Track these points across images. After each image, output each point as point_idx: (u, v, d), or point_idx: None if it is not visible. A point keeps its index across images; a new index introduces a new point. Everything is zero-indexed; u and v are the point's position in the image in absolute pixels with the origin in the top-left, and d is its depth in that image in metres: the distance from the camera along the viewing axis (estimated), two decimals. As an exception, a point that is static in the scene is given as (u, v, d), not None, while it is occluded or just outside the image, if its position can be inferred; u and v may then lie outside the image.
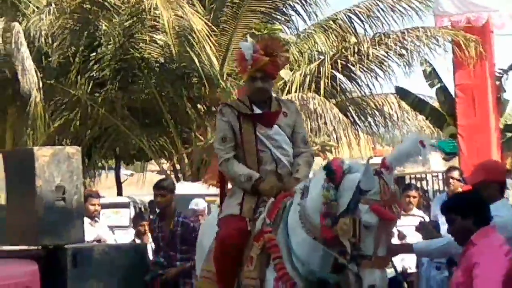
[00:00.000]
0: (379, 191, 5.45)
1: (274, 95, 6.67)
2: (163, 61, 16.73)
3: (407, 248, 6.32)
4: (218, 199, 11.81)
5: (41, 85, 15.45)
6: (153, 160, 20.41)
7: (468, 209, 5.05)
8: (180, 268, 8.43)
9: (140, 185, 25.19)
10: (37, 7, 16.63)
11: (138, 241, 10.79)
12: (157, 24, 15.98)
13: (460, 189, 10.29)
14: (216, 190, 13.04)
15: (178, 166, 18.60)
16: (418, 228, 6.60)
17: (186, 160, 18.02)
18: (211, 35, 16.32)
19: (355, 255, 5.26)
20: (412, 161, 5.82)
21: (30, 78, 15.10)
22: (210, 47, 16.24)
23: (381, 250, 5.31)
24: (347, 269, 5.36)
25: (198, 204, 11.12)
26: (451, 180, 10.71)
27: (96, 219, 10.66)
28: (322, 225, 5.47)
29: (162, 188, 8.96)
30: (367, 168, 5.53)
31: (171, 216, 8.64)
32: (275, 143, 6.24)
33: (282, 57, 6.53)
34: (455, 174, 10.88)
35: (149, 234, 10.41)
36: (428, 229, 6.62)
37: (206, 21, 16.47)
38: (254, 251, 5.76)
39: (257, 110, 6.31)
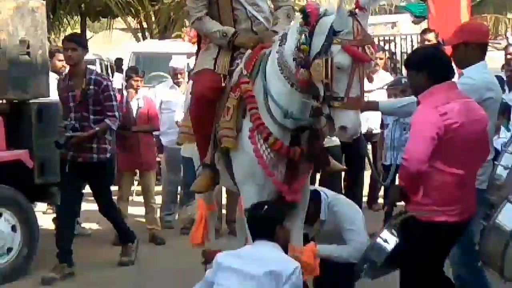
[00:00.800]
0: (352, 31, 5.37)
1: None
2: None
3: (373, 105, 6.38)
4: (185, 57, 11.85)
5: None
6: (119, 18, 20.21)
7: (422, 63, 5.22)
8: (93, 131, 8.05)
9: (107, 42, 25.08)
10: None
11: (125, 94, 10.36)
12: None
13: None
14: (182, 48, 12.97)
15: (145, 24, 18.45)
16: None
17: (153, 18, 17.88)
18: None
19: (328, 97, 5.27)
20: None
21: None
22: None
23: (354, 91, 5.28)
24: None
25: (177, 63, 10.78)
26: (426, 42, 10.72)
27: (62, 74, 10.41)
28: (295, 69, 5.46)
29: (74, 42, 8.44)
30: (340, 8, 5.42)
31: (83, 74, 8.18)
32: (250, 0, 6.13)
33: None
34: (430, 36, 10.92)
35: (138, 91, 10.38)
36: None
37: None
38: (230, 102, 5.76)
39: None
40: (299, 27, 5.50)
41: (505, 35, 28.46)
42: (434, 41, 10.76)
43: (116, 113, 8.24)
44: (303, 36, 5.42)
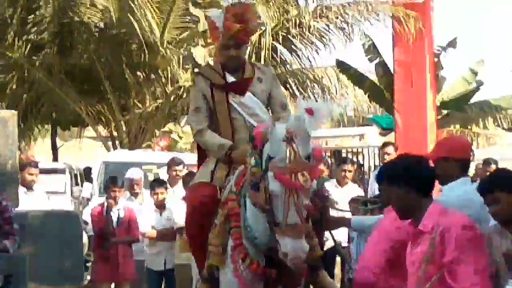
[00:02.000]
0: (285, 158, 5.34)
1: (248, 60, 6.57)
2: (102, 26, 16.60)
3: (344, 222, 6.21)
4: (154, 168, 11.92)
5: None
6: (90, 127, 20.28)
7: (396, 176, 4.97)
8: None
9: (77, 151, 25.07)
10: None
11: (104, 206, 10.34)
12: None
13: None
14: (153, 158, 13.05)
15: (115, 133, 18.52)
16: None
17: (124, 128, 17.96)
18: (152, 1, 16.25)
19: (269, 222, 5.28)
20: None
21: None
22: (151, 13, 16.16)
23: (291, 219, 5.19)
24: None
25: (134, 174, 10.83)
26: (386, 156, 10.85)
27: (33, 188, 10.36)
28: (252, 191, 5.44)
29: None
30: (272, 133, 5.39)
31: None
32: (249, 111, 6.18)
33: (254, 24, 6.46)
34: (390, 149, 11.09)
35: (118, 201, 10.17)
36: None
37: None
38: (218, 219, 5.74)
39: (230, 78, 6.24)
40: (251, 150, 5.55)
41: (472, 149, 28.91)
42: (394, 154, 10.75)
43: (16, 237, 7.33)
44: (252, 159, 5.45)
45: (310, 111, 5.44)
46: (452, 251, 4.44)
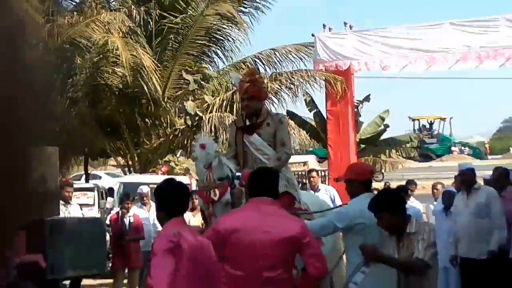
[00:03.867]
0: (204, 180, 5.53)
1: (270, 109, 6.45)
2: (121, 87, 16.47)
3: None
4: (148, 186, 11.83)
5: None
6: (112, 158, 20.10)
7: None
8: None
9: (102, 175, 24.79)
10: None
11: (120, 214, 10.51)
12: (117, 60, 15.74)
13: (319, 184, 10.94)
14: (156, 180, 12.94)
15: (130, 162, 18.35)
16: None
17: (136, 158, 17.82)
18: (156, 69, 16.21)
19: None
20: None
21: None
22: (156, 78, 16.12)
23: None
24: None
25: (143, 190, 11.19)
26: (311, 179, 10.86)
27: (70, 202, 10.32)
28: None
29: None
30: (197, 163, 5.70)
31: None
32: (254, 146, 6.02)
33: (259, 82, 6.33)
34: (313, 174, 11.24)
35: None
36: None
37: (153, 59, 16.37)
38: None
39: (248, 122, 6.16)
40: None
41: (381, 171, 29.02)
42: (317, 177, 11.18)
43: None
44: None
45: (203, 146, 5.66)
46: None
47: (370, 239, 4.91)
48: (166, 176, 14.26)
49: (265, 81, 16.92)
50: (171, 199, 4.19)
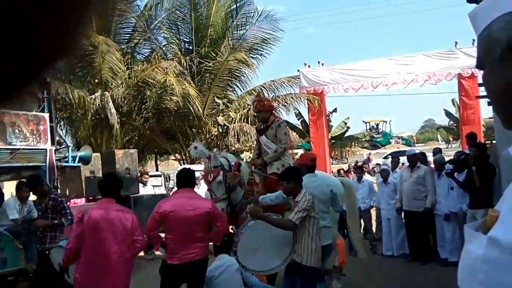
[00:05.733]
0: (206, 168, 5.49)
1: (278, 118, 6.08)
2: (176, 109, 16.47)
3: (254, 200, 5.22)
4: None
5: (118, 120, 15.16)
6: (171, 155, 20.20)
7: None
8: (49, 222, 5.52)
9: (167, 166, 24.84)
10: (116, 84, 16.28)
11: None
12: (173, 92, 15.74)
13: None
14: (201, 168, 12.98)
15: (183, 157, 18.39)
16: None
17: (187, 154, 17.87)
18: (198, 97, 16.24)
19: None
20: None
21: (114, 117, 14.84)
22: (198, 102, 16.12)
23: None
24: None
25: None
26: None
27: (146, 184, 10.40)
28: None
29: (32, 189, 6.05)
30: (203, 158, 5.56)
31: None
32: (263, 143, 5.88)
33: (263, 100, 6.13)
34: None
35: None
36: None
37: (196, 90, 16.37)
38: None
39: (261, 127, 6.07)
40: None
41: (346, 157, 28.91)
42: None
43: (69, 217, 5.54)
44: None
45: (195, 147, 5.54)
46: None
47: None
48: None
49: (267, 102, 16.96)
50: (101, 185, 4.34)
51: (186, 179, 4.67)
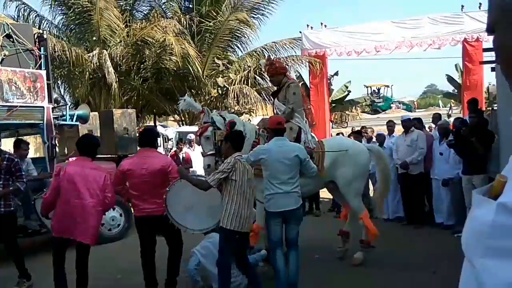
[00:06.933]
0: (201, 121, 5.61)
1: (292, 79, 6.12)
2: (175, 69, 16.33)
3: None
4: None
5: (116, 80, 15.03)
6: (170, 115, 20.16)
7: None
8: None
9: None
10: (114, 42, 16.02)
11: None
12: (172, 51, 15.53)
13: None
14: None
15: (182, 118, 18.39)
16: None
17: (186, 116, 17.85)
18: (197, 57, 16.05)
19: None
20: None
21: (112, 76, 14.70)
22: (197, 63, 15.97)
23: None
24: None
25: (191, 136, 10.76)
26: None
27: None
28: None
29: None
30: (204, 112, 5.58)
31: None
32: (277, 104, 5.91)
33: (274, 65, 6.01)
34: None
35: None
36: None
37: (195, 50, 16.16)
38: None
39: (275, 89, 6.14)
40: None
41: (346, 121, 28.88)
42: None
43: (25, 180, 5.50)
44: None
45: (184, 100, 5.68)
46: None
47: (269, 170, 4.71)
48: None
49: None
50: (79, 145, 4.63)
51: (147, 139, 4.86)
